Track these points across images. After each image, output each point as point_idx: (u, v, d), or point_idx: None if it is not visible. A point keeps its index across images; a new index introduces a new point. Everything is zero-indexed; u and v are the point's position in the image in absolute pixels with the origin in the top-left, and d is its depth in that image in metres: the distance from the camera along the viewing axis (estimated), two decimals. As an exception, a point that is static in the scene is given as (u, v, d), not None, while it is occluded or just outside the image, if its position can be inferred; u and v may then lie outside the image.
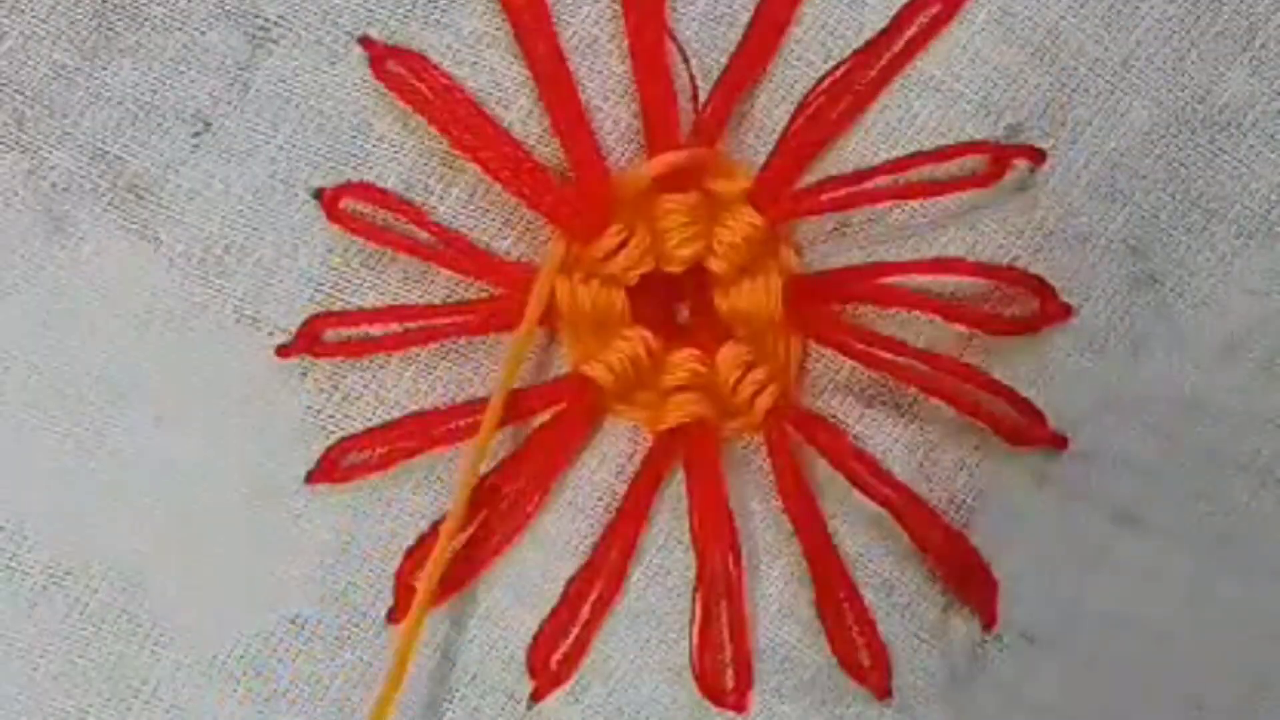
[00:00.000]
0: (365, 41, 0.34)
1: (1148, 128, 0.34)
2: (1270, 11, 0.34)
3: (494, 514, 0.34)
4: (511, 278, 0.34)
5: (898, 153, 0.34)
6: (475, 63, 0.34)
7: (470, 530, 0.34)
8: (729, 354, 0.34)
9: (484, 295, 0.34)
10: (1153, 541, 0.34)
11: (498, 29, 0.34)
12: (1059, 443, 0.34)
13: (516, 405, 0.34)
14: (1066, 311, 0.34)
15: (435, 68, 0.34)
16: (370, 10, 0.34)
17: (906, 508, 0.34)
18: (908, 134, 0.34)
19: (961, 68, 0.34)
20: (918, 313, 0.34)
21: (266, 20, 0.34)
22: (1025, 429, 0.34)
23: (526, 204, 0.33)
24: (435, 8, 0.34)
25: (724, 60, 0.34)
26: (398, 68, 0.33)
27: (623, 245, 0.33)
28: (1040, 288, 0.34)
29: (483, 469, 0.34)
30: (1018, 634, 0.34)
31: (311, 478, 0.34)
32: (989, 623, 0.34)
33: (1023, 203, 0.34)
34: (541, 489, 0.34)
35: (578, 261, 0.34)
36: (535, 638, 0.35)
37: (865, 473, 0.33)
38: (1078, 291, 0.34)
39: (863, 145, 0.34)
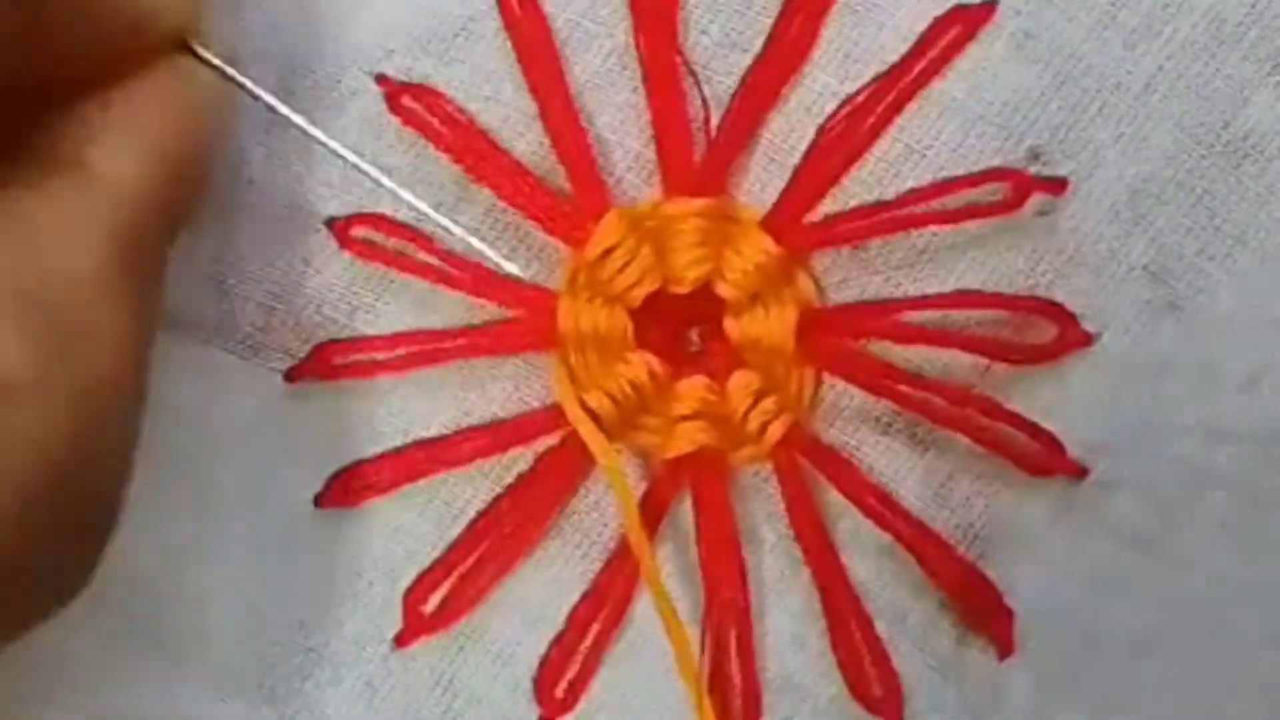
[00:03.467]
0: (380, 78, 0.34)
1: (1170, 153, 0.34)
2: (1296, 37, 0.34)
3: (497, 541, 0.34)
4: (522, 298, 0.34)
5: (917, 175, 0.34)
6: (488, 97, 0.34)
7: (475, 556, 0.34)
8: (739, 382, 0.34)
9: (494, 319, 0.34)
10: (1173, 570, 0.34)
11: (510, 65, 0.34)
12: (1079, 472, 0.34)
13: (518, 431, 0.34)
14: (1087, 339, 0.34)
15: (448, 101, 0.34)
16: (386, 47, 0.34)
17: (918, 539, 0.33)
18: (927, 156, 0.34)
19: (982, 90, 0.34)
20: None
21: (288, 58, 0.34)
22: (1045, 459, 0.33)
23: (539, 226, 0.34)
24: (449, 44, 0.34)
25: (738, 85, 0.34)
26: (412, 103, 0.34)
27: (628, 264, 0.33)
28: (1060, 315, 0.33)
29: (486, 495, 0.34)
30: (1036, 664, 0.34)
31: (320, 501, 0.34)
32: (1005, 652, 0.34)
33: (1043, 228, 0.34)
34: (544, 516, 0.34)
35: (584, 284, 0.34)
36: (541, 665, 0.35)
37: (876, 503, 0.33)
38: (1099, 318, 0.34)
39: (881, 168, 0.34)
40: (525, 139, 0.34)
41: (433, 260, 0.34)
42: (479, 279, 0.34)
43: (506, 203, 0.34)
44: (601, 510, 0.35)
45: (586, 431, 0.33)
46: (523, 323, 0.34)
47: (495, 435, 0.34)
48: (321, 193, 0.35)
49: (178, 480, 0.35)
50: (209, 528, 0.35)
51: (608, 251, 0.33)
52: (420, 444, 0.34)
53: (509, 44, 0.34)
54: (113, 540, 0.28)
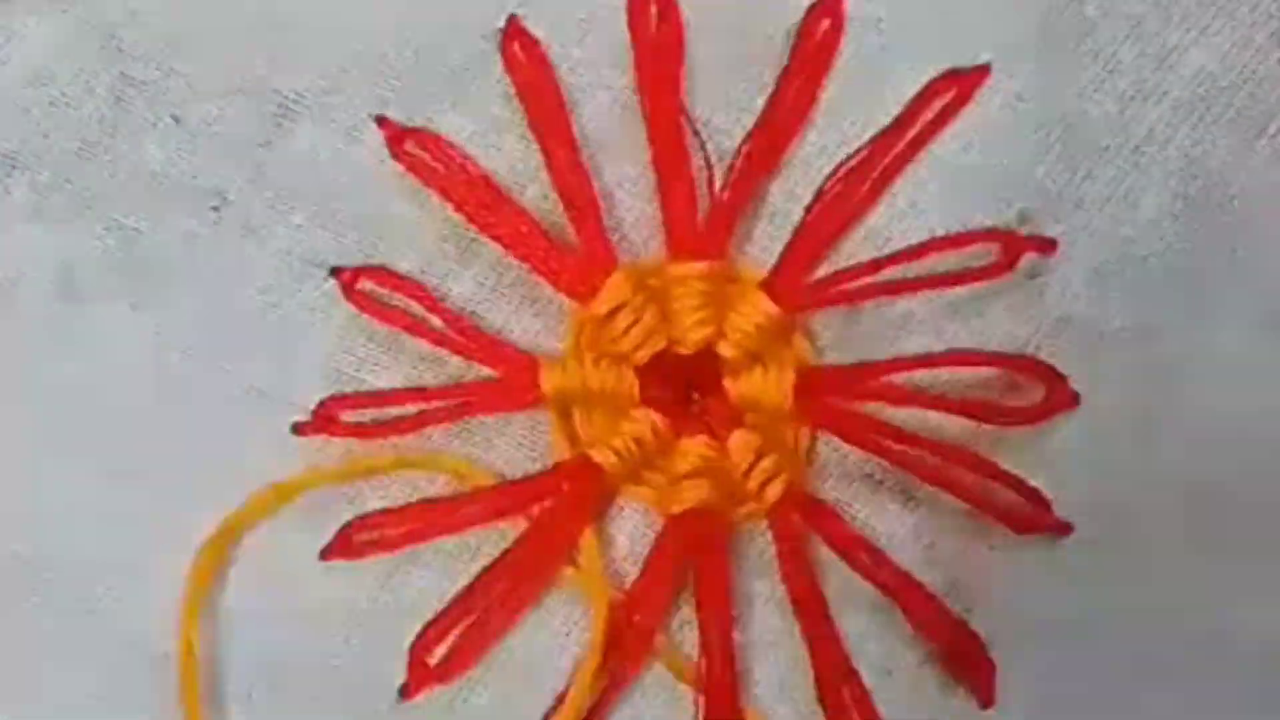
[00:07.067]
0: (382, 122, 0.34)
1: (1159, 215, 0.34)
2: (1284, 100, 0.34)
3: (502, 593, 0.34)
4: (507, 361, 0.34)
5: (910, 237, 0.34)
6: (493, 146, 0.34)
7: (480, 608, 0.34)
8: (739, 441, 0.34)
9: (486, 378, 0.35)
10: (1156, 626, 0.34)
11: (514, 113, 0.34)
12: (1063, 530, 0.34)
13: (521, 491, 0.34)
14: (1074, 399, 0.34)
15: (452, 147, 0.34)
16: (389, 92, 0.34)
17: (906, 593, 0.34)
18: (920, 219, 0.34)
19: (974, 152, 0.34)
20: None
21: (285, 99, 0.34)
22: (1031, 517, 0.34)
23: (543, 277, 0.34)
24: (453, 91, 0.34)
25: (740, 145, 0.34)
26: (415, 149, 0.34)
27: (634, 324, 0.34)
28: (1049, 374, 0.34)
29: (492, 548, 0.34)
30: (1017, 713, 0.34)
31: (325, 554, 0.34)
32: (987, 703, 0.34)
33: (1033, 289, 0.34)
34: (549, 569, 0.34)
35: (590, 343, 0.34)
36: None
37: (868, 560, 0.34)
38: (1087, 379, 0.34)
39: (876, 229, 0.34)
40: (529, 191, 0.34)
41: (434, 320, 0.34)
42: (469, 339, 0.34)
43: (513, 255, 0.34)
44: (606, 563, 0.35)
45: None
46: (506, 382, 0.34)
47: (499, 499, 0.34)
48: (329, 241, 0.35)
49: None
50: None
51: (614, 310, 0.33)
52: (424, 504, 0.34)
53: (511, 92, 0.34)
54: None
